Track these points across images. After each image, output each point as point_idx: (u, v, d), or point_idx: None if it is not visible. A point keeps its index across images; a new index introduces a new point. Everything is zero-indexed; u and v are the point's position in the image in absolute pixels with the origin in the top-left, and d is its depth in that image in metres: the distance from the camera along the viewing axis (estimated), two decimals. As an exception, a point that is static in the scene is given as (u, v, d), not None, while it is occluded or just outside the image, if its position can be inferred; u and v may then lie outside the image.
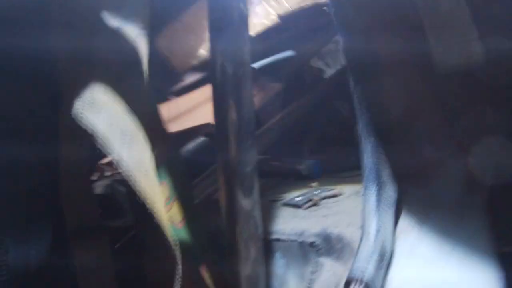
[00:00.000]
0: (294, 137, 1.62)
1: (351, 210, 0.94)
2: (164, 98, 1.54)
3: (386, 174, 0.80)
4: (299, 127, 1.63)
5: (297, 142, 1.63)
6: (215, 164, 1.02)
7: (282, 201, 1.13)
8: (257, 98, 1.52)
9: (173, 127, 1.31)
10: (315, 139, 1.65)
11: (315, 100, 1.65)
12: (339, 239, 0.84)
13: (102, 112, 0.70)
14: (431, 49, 0.74)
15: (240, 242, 0.88)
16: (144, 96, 0.81)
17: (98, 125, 0.67)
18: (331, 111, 1.64)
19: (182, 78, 1.55)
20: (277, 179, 1.46)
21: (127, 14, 0.74)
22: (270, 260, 0.93)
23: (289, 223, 0.97)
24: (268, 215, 1.04)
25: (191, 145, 1.51)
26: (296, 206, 1.07)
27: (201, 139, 1.53)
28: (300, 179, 1.43)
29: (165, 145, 0.90)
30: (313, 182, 1.28)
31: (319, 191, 1.15)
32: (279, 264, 0.92)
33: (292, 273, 0.89)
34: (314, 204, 1.06)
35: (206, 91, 1.18)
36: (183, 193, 0.88)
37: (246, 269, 0.88)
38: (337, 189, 1.14)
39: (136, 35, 0.75)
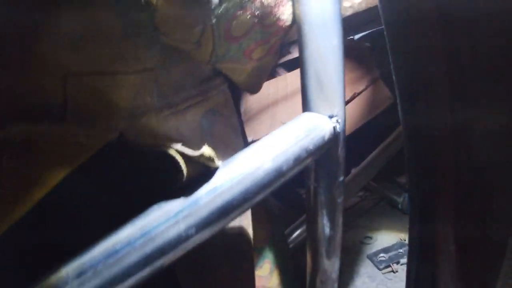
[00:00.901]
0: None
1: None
2: (272, 73, 1.36)
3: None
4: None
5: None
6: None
7: (367, 253, 1.35)
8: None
9: (282, 109, 1.25)
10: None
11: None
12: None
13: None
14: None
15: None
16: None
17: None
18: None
19: (290, 50, 1.37)
20: (373, 201, 1.65)
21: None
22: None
23: (365, 291, 1.21)
24: (353, 268, 1.28)
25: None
26: (377, 266, 1.28)
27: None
28: (394, 207, 1.60)
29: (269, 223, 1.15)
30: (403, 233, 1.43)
31: (402, 250, 1.32)
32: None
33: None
34: (392, 271, 1.26)
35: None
36: (283, 263, 1.16)
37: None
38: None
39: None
